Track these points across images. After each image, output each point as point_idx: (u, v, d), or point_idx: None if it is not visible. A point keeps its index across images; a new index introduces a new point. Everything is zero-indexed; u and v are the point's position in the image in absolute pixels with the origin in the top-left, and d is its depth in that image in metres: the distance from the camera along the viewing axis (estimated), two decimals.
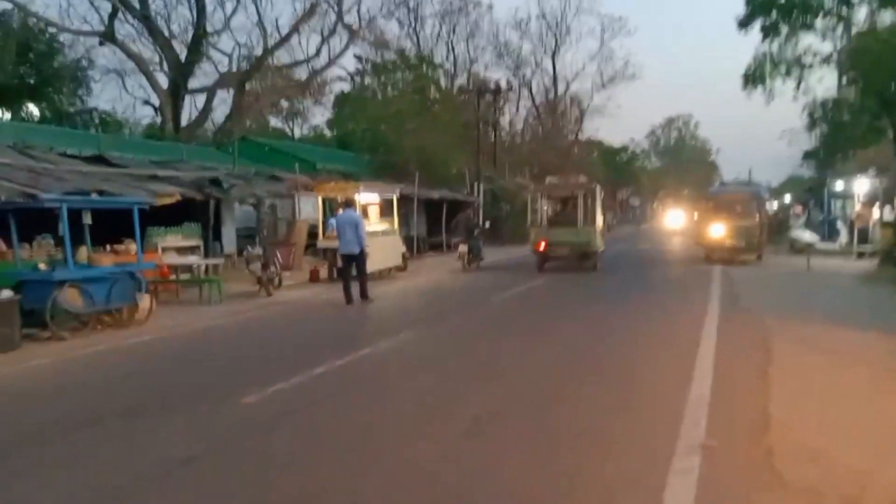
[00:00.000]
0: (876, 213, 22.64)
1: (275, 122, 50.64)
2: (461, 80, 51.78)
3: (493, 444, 5.09)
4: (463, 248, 21.27)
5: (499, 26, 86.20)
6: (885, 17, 27.88)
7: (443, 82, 47.96)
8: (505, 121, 53.29)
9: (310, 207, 20.27)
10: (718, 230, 20.79)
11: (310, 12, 35.89)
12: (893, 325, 9.95)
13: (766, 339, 8.92)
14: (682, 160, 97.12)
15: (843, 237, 25.14)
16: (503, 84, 47.29)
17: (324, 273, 17.79)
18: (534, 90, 57.69)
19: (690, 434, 5.12)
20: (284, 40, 36.55)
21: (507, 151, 49.39)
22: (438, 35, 51.91)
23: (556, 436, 5.24)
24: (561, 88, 58.44)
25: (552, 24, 57.13)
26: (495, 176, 41.10)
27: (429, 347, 9.25)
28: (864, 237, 22.49)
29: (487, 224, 28.09)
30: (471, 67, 52.87)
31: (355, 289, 13.46)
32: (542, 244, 19.40)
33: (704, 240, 21.95)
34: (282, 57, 37.58)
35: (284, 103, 44.58)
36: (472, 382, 7.04)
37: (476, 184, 35.92)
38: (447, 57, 52.49)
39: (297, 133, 52.33)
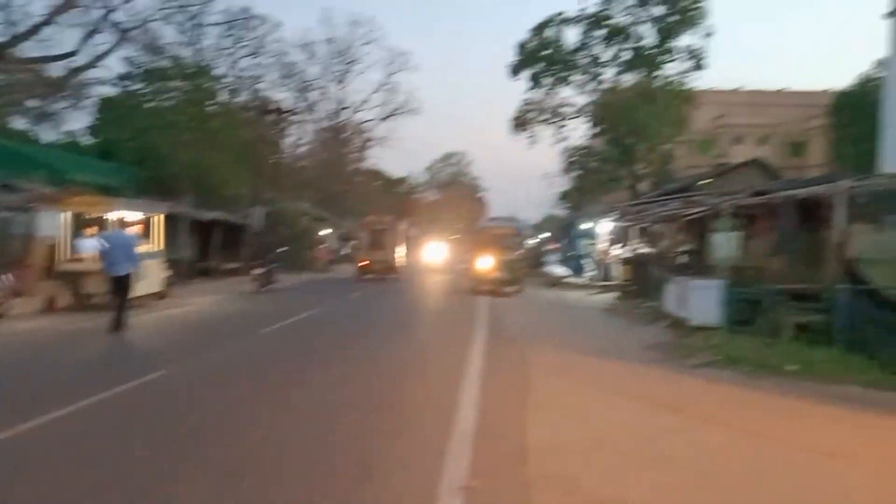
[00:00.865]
0: (617, 251, 25.70)
1: (22, 123, 44.01)
2: (245, 96, 49.67)
3: None
4: (258, 271, 22.32)
5: (286, 46, 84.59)
6: (627, 79, 32.28)
7: (224, 97, 45.59)
8: (288, 143, 52.01)
9: (54, 223, 17.74)
10: (485, 262, 22.10)
11: (68, 3, 31.98)
12: (634, 354, 11.18)
13: (527, 369, 9.48)
14: (457, 195, 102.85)
15: (590, 272, 28.16)
16: (287, 105, 46.28)
17: (65, 300, 15.61)
18: (319, 115, 57.30)
19: (453, 473, 5.12)
20: (34, 31, 32.07)
21: (290, 174, 48.22)
22: (221, 48, 49.31)
23: (309, 485, 4.92)
24: (346, 115, 58.80)
25: (341, 50, 57.37)
26: (276, 198, 39.84)
27: (179, 392, 8.38)
28: (606, 273, 25.38)
29: (283, 250, 28.07)
30: (254, 85, 50.98)
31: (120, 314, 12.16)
32: (364, 262, 29.30)
33: (472, 272, 23.21)
34: (31, 50, 32.86)
35: (32, 102, 38.98)
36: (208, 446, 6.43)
37: (255, 206, 34.45)
38: (229, 72, 50.07)
39: (50, 138, 45.98)
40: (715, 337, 11.62)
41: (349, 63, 56.69)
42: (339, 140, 58.01)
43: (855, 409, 8.02)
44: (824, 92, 41.54)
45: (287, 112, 45.46)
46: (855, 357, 10.02)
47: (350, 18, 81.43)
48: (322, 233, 42.58)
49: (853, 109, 31.96)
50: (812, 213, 12.10)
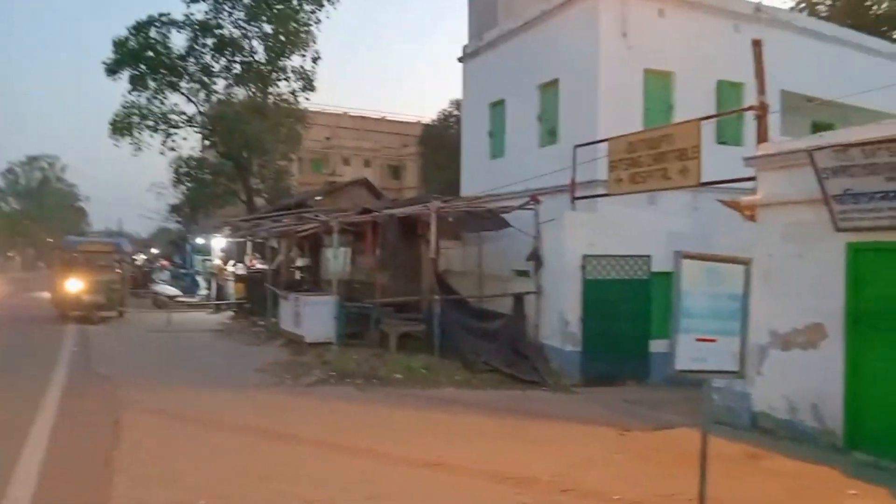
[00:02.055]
0: (232, 267, 24.69)
1: None
2: None
3: None
4: None
5: None
6: (239, 92, 31.53)
7: None
8: None
9: None
10: (76, 285, 18.94)
11: None
12: (246, 379, 10.50)
13: (119, 412, 8.04)
14: (47, 205, 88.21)
15: (204, 290, 26.57)
16: None
17: None
18: None
19: None
20: None
21: None
22: None
23: None
24: None
25: None
26: None
27: None
28: (221, 291, 24.19)
29: None
30: None
31: None
32: None
33: (59, 295, 19.71)
34: None
35: None
36: None
37: None
38: None
39: None
40: (328, 353, 11.70)
41: None
42: None
43: (455, 411, 8.77)
44: (417, 123, 47.19)
45: None
46: (449, 361, 11.09)
47: None
48: None
49: (437, 140, 36.83)
50: (411, 230, 13.16)
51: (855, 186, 6.38)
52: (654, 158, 10.01)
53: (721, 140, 12.59)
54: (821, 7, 27.96)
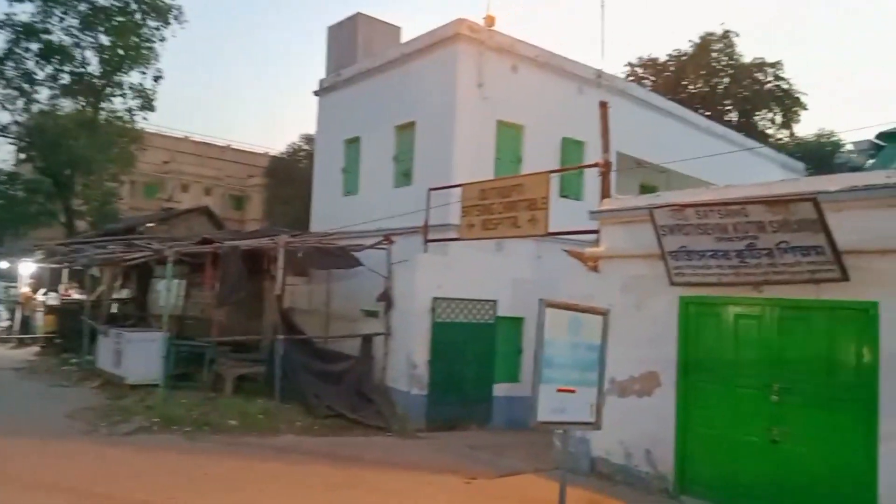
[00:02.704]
0: (42, 296, 21.99)
1: None
2: None
3: None
4: None
5: None
6: (67, 104, 28.71)
7: None
8: None
9: None
10: None
11: None
12: (54, 425, 9.17)
13: None
14: None
15: (5, 322, 23.39)
16: None
17: None
18: None
19: None
20: None
21: None
22: None
23: None
24: None
25: None
26: None
27: None
28: (28, 323, 21.42)
29: None
30: None
31: None
32: None
33: None
34: None
35: None
36: None
37: None
38: None
39: None
40: (153, 396, 10.57)
41: None
42: None
43: (291, 461, 8.18)
44: (264, 154, 45.67)
45: None
46: (290, 406, 10.44)
47: None
48: None
49: (285, 173, 35.78)
50: (255, 264, 12.42)
51: (689, 244, 6.86)
52: (504, 206, 10.27)
53: (563, 194, 13.28)
54: (646, 81, 31.08)
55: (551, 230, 9.78)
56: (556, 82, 13.86)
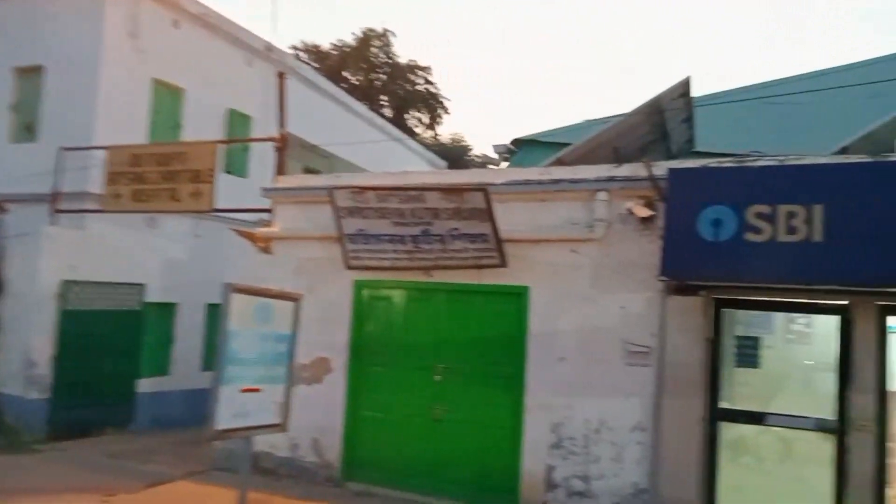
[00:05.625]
0: None
1: None
2: None
3: None
4: None
5: None
6: None
7: None
8: None
9: None
10: None
11: None
12: None
13: None
14: None
15: None
16: None
17: None
18: None
19: None
20: None
21: None
22: None
23: None
24: None
25: None
26: None
27: None
28: None
29: None
30: None
31: None
32: None
33: None
34: None
35: None
36: None
37: None
38: None
39: None
40: None
41: None
42: None
43: None
44: None
45: None
46: None
47: None
48: None
49: None
50: None
51: (367, 228, 6.76)
52: (162, 176, 8.95)
53: (227, 169, 12.25)
54: (307, 67, 31.10)
55: (217, 207, 8.85)
56: (224, 49, 12.71)
